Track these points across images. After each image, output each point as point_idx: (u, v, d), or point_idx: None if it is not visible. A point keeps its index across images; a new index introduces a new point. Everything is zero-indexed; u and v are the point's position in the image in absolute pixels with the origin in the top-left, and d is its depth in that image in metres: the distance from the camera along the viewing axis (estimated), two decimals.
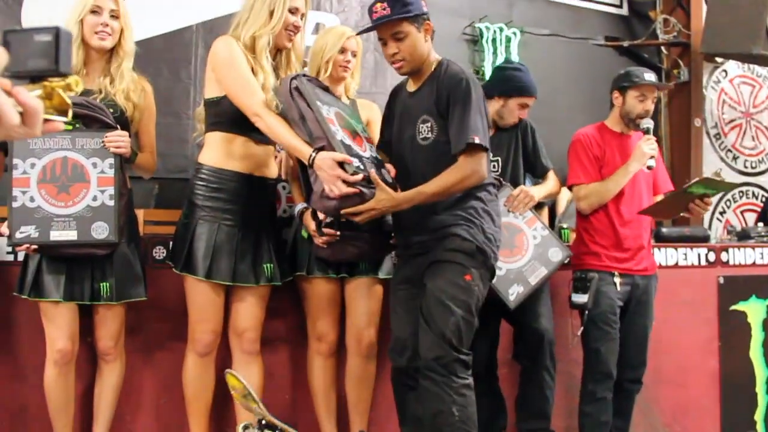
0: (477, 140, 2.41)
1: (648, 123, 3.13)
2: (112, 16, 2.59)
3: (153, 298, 2.67)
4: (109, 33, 2.58)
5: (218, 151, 2.60)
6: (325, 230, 2.63)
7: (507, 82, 3.15)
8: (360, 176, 2.34)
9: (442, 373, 2.36)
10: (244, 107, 2.50)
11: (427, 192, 2.44)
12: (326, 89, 2.65)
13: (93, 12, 2.56)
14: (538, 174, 3.24)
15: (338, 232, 2.62)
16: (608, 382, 3.07)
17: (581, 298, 3.04)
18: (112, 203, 2.46)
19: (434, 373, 2.37)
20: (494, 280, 2.71)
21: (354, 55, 2.91)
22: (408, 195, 2.45)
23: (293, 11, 2.59)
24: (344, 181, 2.32)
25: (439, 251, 2.47)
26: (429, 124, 2.52)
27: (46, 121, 0.98)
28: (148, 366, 2.82)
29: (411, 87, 2.63)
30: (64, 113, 1.01)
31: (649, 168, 3.08)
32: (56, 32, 0.98)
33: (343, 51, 2.87)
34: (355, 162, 2.37)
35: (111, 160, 2.48)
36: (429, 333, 2.39)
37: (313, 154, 2.38)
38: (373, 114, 3.01)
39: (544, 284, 2.99)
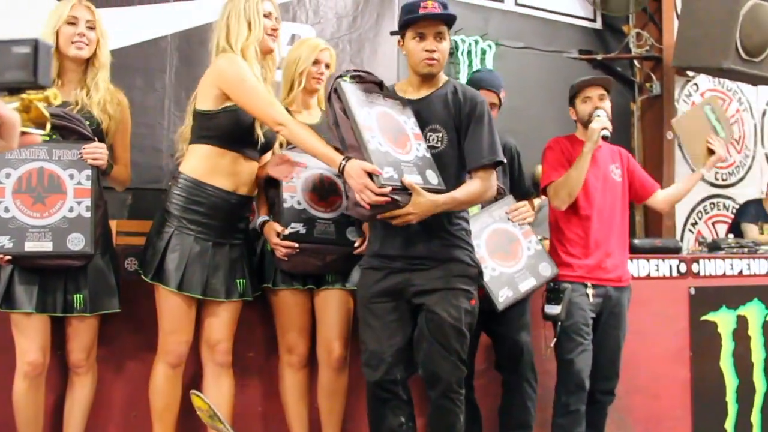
0: (503, 159, 2.61)
1: (598, 112, 3.14)
2: (88, 27, 2.58)
3: (125, 309, 2.64)
4: (86, 43, 2.57)
5: (204, 164, 2.58)
6: (284, 243, 2.63)
7: (469, 83, 3.24)
8: (388, 189, 2.33)
9: (458, 391, 2.54)
10: (267, 118, 2.51)
11: (458, 199, 2.52)
12: (378, 84, 2.59)
13: (69, 23, 2.55)
14: (520, 197, 3.23)
15: (297, 245, 2.63)
16: (581, 394, 3.08)
17: (554, 310, 3.06)
18: (88, 215, 2.45)
19: (453, 393, 2.53)
20: (487, 279, 2.82)
21: (328, 66, 2.91)
22: (444, 199, 2.47)
23: (267, 15, 2.62)
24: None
25: (447, 277, 2.53)
26: (440, 135, 2.59)
27: (23, 133, 0.97)
28: (119, 379, 2.79)
29: (412, 94, 2.66)
30: (42, 126, 1.00)
31: (604, 138, 3.09)
32: (35, 44, 0.97)
33: (316, 63, 2.88)
34: (387, 172, 2.35)
35: (88, 172, 2.47)
36: (449, 358, 2.51)
37: (343, 162, 2.38)
38: None
39: (529, 296, 3.03)
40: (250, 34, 2.56)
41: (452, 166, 2.59)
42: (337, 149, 2.46)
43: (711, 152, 3.55)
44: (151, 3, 3.97)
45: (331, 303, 2.79)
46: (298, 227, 2.67)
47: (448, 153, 2.58)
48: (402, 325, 2.58)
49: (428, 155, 2.52)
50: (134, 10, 3.96)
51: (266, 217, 2.75)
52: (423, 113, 2.61)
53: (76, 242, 2.43)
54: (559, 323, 3.06)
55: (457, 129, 2.59)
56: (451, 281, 2.53)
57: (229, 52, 2.55)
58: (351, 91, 2.45)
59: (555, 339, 3.08)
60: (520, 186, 3.24)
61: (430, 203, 2.42)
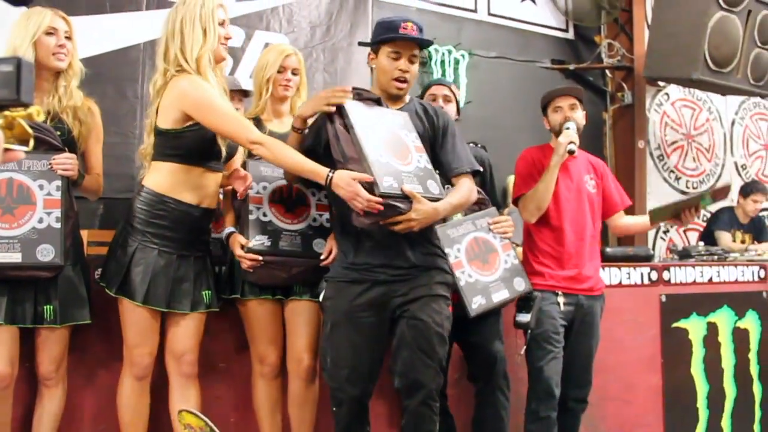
0: (481, 169, 2.75)
1: (568, 123, 3.18)
2: (66, 38, 2.57)
3: (96, 320, 2.61)
4: (66, 54, 2.56)
5: (169, 180, 2.54)
6: (248, 255, 2.59)
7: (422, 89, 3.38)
8: (379, 199, 2.33)
9: (436, 399, 2.53)
10: (241, 140, 2.49)
11: (455, 204, 2.60)
12: (376, 101, 2.61)
13: (48, 33, 2.54)
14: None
15: (261, 258, 2.60)
16: (551, 401, 3.10)
17: (524, 318, 3.07)
18: (58, 225, 2.42)
19: (432, 401, 2.51)
20: (463, 285, 2.82)
21: (295, 72, 2.88)
22: (444, 206, 2.53)
23: (221, 23, 2.58)
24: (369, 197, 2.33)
25: (430, 284, 2.55)
26: None
27: (6, 150, 0.97)
28: (89, 391, 2.75)
29: None
30: (25, 143, 1.01)
31: (570, 152, 3.11)
32: (18, 63, 0.99)
33: (282, 69, 2.85)
34: (387, 181, 2.35)
35: (58, 183, 2.44)
36: (431, 365, 2.50)
37: (330, 174, 2.38)
38: None
39: (501, 307, 3.04)
40: (205, 42, 2.50)
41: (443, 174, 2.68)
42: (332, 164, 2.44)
43: (676, 217, 3.40)
44: (124, 11, 3.96)
45: (300, 314, 2.75)
46: (263, 239, 2.64)
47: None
48: (381, 340, 2.57)
49: (429, 166, 2.56)
50: (106, 18, 3.95)
51: (232, 229, 2.72)
52: None
53: (46, 253, 2.40)
54: (529, 331, 3.08)
55: (430, 143, 2.66)
56: (433, 288, 2.55)
57: (185, 66, 2.50)
58: (353, 107, 2.49)
59: (525, 347, 3.10)
60: (491, 198, 3.24)
61: (432, 210, 2.44)
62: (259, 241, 2.62)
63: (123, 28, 3.96)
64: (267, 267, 2.62)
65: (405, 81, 2.64)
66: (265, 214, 2.67)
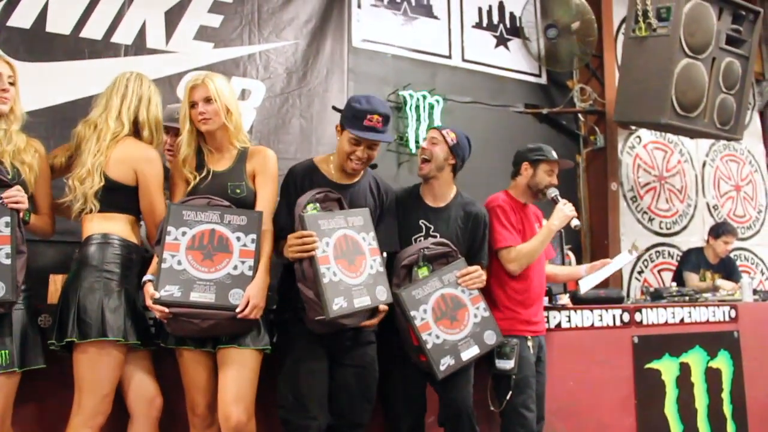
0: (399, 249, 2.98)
1: (555, 191, 3.39)
2: (9, 83, 2.59)
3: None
4: (8, 99, 2.58)
5: (132, 229, 2.69)
6: (156, 307, 2.49)
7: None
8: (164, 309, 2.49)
9: None
10: (154, 228, 2.68)
11: None
12: (337, 200, 2.78)
13: None
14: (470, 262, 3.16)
15: (167, 310, 2.49)
16: None
17: (507, 364, 3.14)
18: (8, 261, 2.39)
19: None
20: (429, 347, 2.82)
21: (209, 101, 2.68)
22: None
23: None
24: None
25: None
26: None
27: None
28: None
29: (339, 179, 2.87)
30: None
31: (575, 227, 3.34)
32: None
33: (193, 105, 2.71)
34: (338, 303, 2.58)
35: (7, 219, 2.42)
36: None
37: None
38: (263, 163, 2.78)
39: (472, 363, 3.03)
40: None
41: None
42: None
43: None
44: (102, 57, 4.00)
45: (226, 363, 2.59)
46: (173, 290, 2.49)
47: None
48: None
49: (381, 269, 2.77)
50: (84, 64, 3.98)
51: (149, 276, 2.57)
52: (356, 199, 2.87)
53: None
54: (513, 377, 3.13)
55: (378, 216, 2.92)
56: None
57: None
58: (312, 223, 2.62)
59: (510, 393, 3.15)
60: (477, 254, 3.17)
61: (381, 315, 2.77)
62: (168, 292, 2.49)
63: (102, 73, 3.99)
64: (177, 319, 2.50)
65: (360, 165, 2.82)
66: (179, 262, 2.53)
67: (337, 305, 2.57)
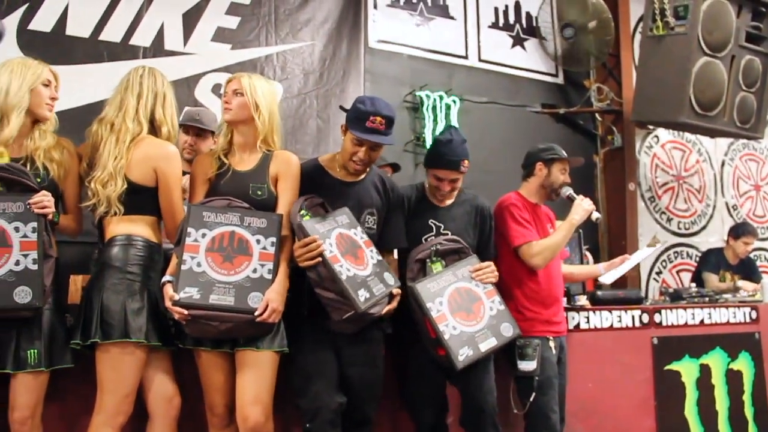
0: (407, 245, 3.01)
1: (569, 189, 3.42)
2: (56, 89, 2.64)
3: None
4: (53, 106, 2.63)
5: (155, 231, 2.68)
6: (175, 308, 2.48)
7: (429, 154, 3.25)
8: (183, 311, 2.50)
9: None
10: (173, 226, 2.66)
11: None
12: (321, 204, 2.78)
13: (45, 85, 2.60)
14: (483, 259, 3.17)
15: (186, 312, 2.48)
16: None
17: (530, 366, 3.14)
18: (35, 267, 2.40)
19: None
20: (447, 338, 2.82)
21: (237, 92, 2.72)
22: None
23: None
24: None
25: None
26: (375, 218, 2.90)
27: None
28: None
29: (345, 177, 2.87)
30: None
31: (596, 220, 3.38)
32: None
33: (225, 96, 2.77)
34: (362, 295, 2.61)
35: (34, 224, 2.43)
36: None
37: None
38: (287, 168, 2.77)
39: (491, 355, 3.03)
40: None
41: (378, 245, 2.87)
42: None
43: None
44: (121, 59, 4.03)
45: (244, 365, 2.60)
46: (192, 292, 2.48)
47: (378, 232, 2.92)
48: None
49: (379, 257, 2.81)
50: (104, 66, 4.01)
51: (169, 277, 2.56)
52: (362, 197, 2.88)
53: (23, 296, 2.37)
54: (536, 378, 3.12)
55: (383, 213, 2.93)
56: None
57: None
58: (311, 229, 2.63)
59: (534, 394, 3.13)
60: (487, 249, 3.20)
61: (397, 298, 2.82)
62: (187, 294, 2.48)
63: (120, 76, 4.01)
64: (196, 321, 2.51)
65: (361, 166, 2.83)
66: (199, 264, 2.52)
67: (363, 297, 2.62)
